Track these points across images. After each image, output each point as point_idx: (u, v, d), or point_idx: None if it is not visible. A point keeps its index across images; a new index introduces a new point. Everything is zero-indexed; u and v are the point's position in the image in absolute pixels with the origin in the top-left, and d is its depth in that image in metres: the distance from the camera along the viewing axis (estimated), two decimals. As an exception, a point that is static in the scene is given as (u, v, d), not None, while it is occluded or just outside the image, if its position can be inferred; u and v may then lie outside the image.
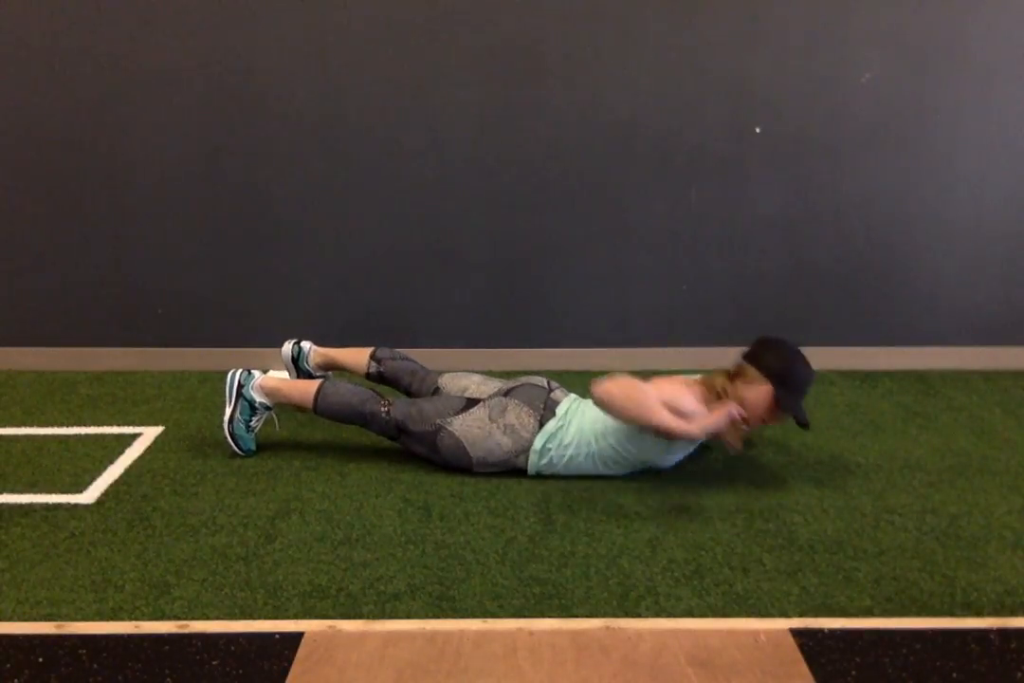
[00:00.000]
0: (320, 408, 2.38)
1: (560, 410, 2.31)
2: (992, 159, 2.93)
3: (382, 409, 2.34)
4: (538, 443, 2.27)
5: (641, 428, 2.16)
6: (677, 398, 2.15)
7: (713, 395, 2.22)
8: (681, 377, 2.33)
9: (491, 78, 2.84)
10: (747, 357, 2.26)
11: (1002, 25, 2.78)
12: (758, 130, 2.89)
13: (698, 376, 2.35)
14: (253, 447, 2.46)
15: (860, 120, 2.88)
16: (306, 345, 2.74)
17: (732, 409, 2.12)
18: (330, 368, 2.74)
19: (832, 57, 2.82)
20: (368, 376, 2.66)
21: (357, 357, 2.67)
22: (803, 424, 2.23)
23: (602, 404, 2.10)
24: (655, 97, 2.85)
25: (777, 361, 2.21)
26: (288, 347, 2.74)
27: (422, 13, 2.76)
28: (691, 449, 2.34)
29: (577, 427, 2.28)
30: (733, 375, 2.25)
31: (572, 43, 2.80)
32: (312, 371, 2.74)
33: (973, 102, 2.87)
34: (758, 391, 2.19)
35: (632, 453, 2.25)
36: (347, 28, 2.78)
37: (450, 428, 2.29)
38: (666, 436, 2.12)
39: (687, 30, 2.79)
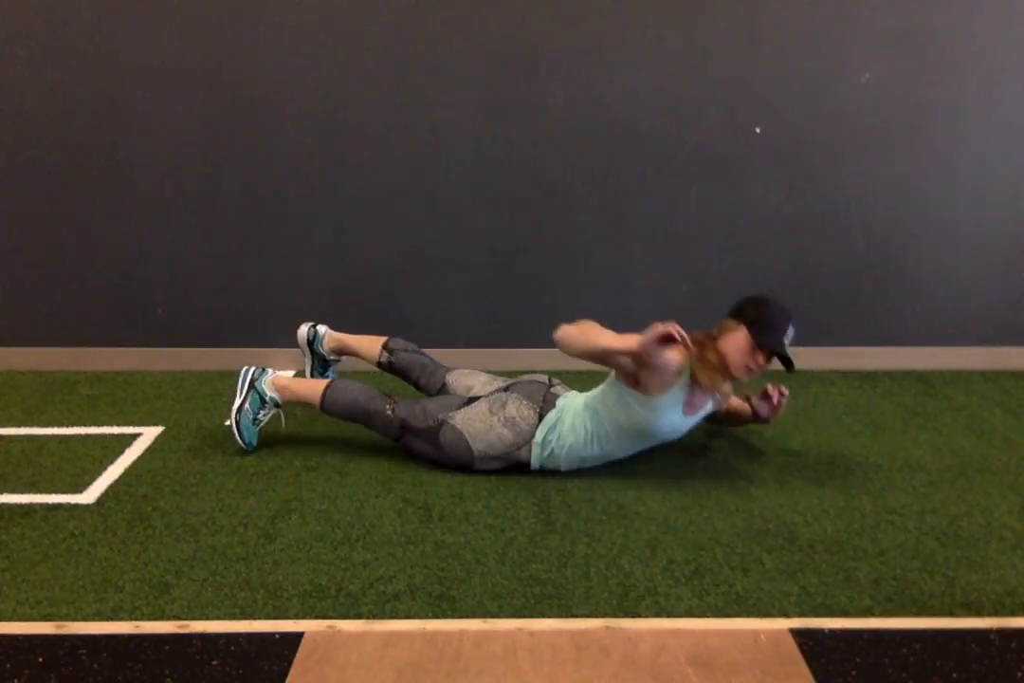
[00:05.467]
0: (327, 405, 2.41)
1: (560, 403, 2.34)
2: (992, 159, 2.93)
3: (387, 407, 2.37)
4: (539, 435, 2.29)
5: (614, 383, 2.24)
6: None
7: (696, 350, 2.21)
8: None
9: (491, 78, 2.84)
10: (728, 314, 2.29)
11: (1003, 25, 2.78)
12: (758, 130, 2.89)
13: None
14: (255, 442, 2.47)
15: (860, 120, 2.88)
16: (322, 329, 2.77)
17: (669, 326, 2.05)
18: (343, 353, 2.77)
19: (832, 57, 2.82)
20: (379, 365, 2.68)
21: (370, 345, 2.69)
22: (786, 361, 2.22)
23: (558, 342, 2.17)
24: (655, 97, 2.85)
25: (749, 306, 2.26)
26: (304, 329, 2.77)
27: (422, 13, 2.76)
28: (679, 409, 2.27)
29: (572, 415, 2.31)
30: (715, 336, 2.25)
31: (572, 43, 2.80)
32: (326, 355, 2.77)
33: (973, 102, 2.87)
34: (735, 337, 2.21)
35: (621, 421, 2.25)
36: (347, 28, 2.77)
37: (452, 422, 2.31)
38: (626, 364, 2.16)
39: (687, 30, 2.79)
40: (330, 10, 2.75)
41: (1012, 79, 2.84)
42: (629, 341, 2.10)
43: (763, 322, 2.21)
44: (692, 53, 2.81)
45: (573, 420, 2.30)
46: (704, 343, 2.23)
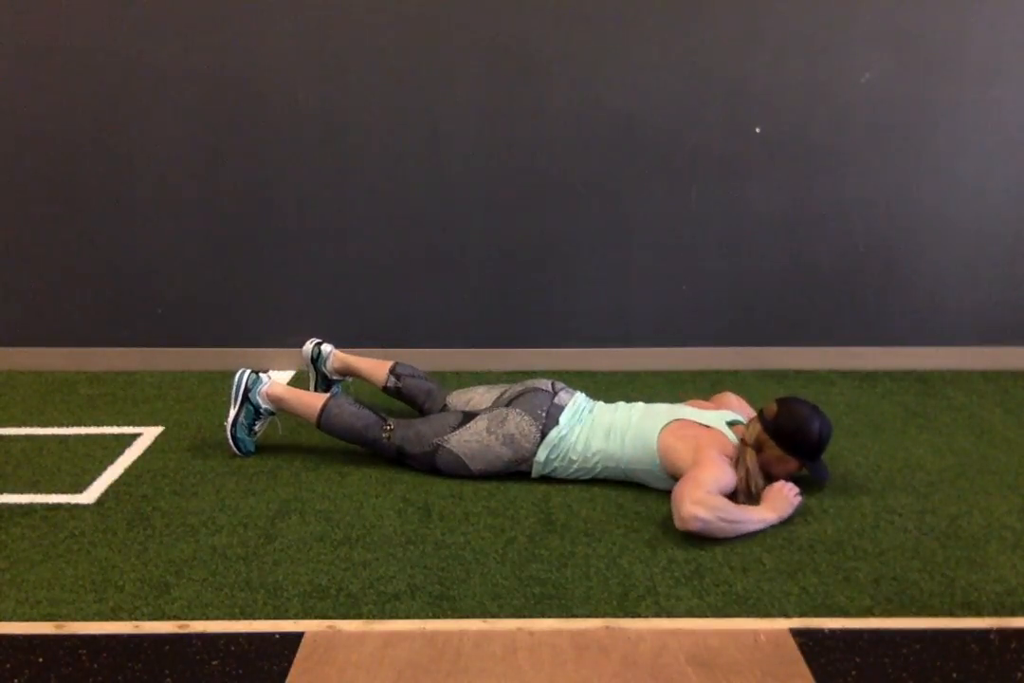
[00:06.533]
0: (323, 426, 2.38)
1: (564, 418, 2.29)
2: (992, 159, 2.93)
3: (383, 435, 2.33)
4: (541, 454, 2.26)
5: (653, 462, 2.21)
6: (724, 483, 2.11)
7: (741, 465, 2.17)
8: (714, 434, 2.24)
9: (491, 78, 2.83)
10: (768, 429, 2.19)
11: (1002, 25, 2.78)
12: (758, 130, 2.89)
13: (722, 423, 2.28)
14: (253, 449, 2.46)
15: (860, 120, 2.88)
16: (327, 348, 2.71)
17: (799, 498, 2.14)
18: (347, 374, 2.72)
19: (832, 57, 2.81)
20: (385, 389, 2.64)
21: (377, 369, 2.65)
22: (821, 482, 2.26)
23: (702, 533, 2.01)
24: (655, 97, 2.85)
25: (803, 440, 2.17)
26: (308, 347, 2.72)
27: (422, 12, 2.76)
28: None
29: (584, 445, 2.26)
30: (756, 446, 2.19)
31: (573, 43, 2.79)
32: (329, 375, 2.72)
33: (973, 102, 2.86)
34: (787, 465, 2.20)
35: (642, 479, 2.27)
36: (347, 28, 2.77)
37: (447, 445, 2.28)
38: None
39: (687, 30, 2.79)
40: (331, 10, 2.75)
41: (1012, 79, 2.84)
42: (768, 518, 2.07)
43: (817, 457, 2.21)
44: (692, 53, 2.81)
45: (584, 452, 2.25)
46: (743, 454, 2.19)
